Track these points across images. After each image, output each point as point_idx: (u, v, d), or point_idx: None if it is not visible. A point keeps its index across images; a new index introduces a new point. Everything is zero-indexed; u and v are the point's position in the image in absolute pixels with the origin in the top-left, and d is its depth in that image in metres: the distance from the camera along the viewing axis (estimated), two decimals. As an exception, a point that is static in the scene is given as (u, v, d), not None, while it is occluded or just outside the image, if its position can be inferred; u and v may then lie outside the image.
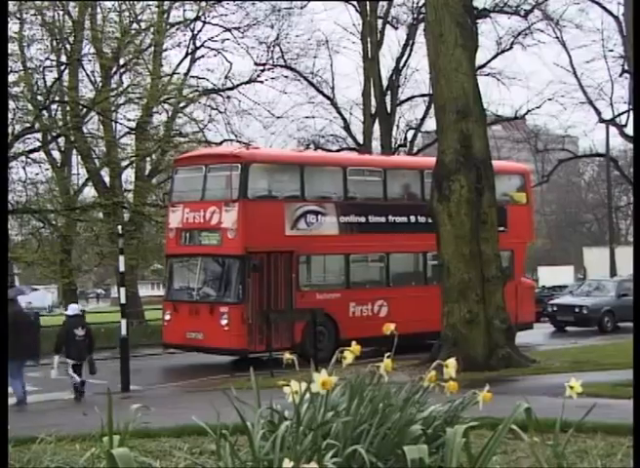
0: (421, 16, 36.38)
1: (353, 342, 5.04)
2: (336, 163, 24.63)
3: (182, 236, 22.44)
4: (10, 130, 30.40)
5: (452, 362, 5.12)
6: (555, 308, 30.92)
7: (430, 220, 23.39)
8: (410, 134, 42.54)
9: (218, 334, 20.85)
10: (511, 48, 40.30)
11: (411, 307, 22.21)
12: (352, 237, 22.96)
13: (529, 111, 42.14)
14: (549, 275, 53.92)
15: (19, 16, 30.62)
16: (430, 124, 39.46)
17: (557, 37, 41.97)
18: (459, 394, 5.16)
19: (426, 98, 39.80)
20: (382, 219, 23.75)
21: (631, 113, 40.34)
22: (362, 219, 23.34)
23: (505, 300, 18.14)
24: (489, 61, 39.90)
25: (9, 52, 29.84)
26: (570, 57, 43.58)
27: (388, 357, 5.08)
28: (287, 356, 5.38)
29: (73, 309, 17.54)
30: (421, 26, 35.01)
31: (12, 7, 29.87)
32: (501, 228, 20.22)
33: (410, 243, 23.62)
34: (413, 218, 24.12)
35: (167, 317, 22.70)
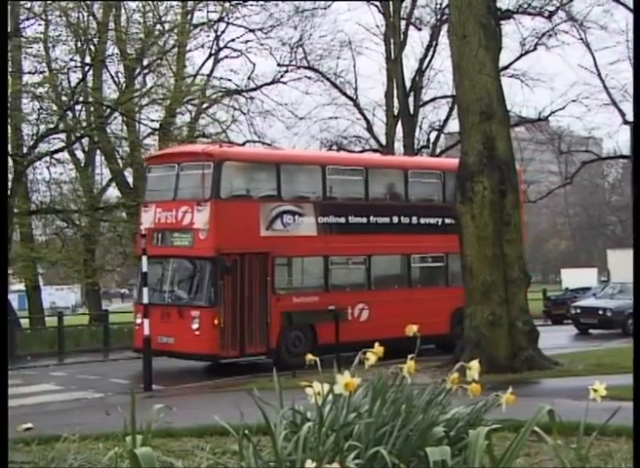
0: (445, 17, 36.35)
1: (376, 343, 5.03)
2: (314, 161, 23.52)
3: (154, 237, 21.26)
4: (34, 130, 30.68)
5: (474, 364, 5.10)
6: (579, 310, 30.71)
7: (414, 221, 23.43)
8: (433, 135, 42.45)
9: (189, 339, 19.99)
10: (535, 49, 40.12)
11: (393, 311, 21.04)
12: (332, 238, 21.92)
13: (552, 113, 41.93)
14: (573, 277, 53.63)
15: (44, 17, 30.80)
16: (453, 125, 39.41)
17: (581, 38, 41.71)
18: (481, 396, 5.14)
19: (450, 100, 39.69)
20: (364, 220, 22.77)
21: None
22: (342, 220, 22.35)
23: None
24: (512, 63, 39.75)
25: (34, 53, 30.16)
26: (594, 58, 43.30)
27: (412, 359, 5.07)
28: (309, 357, 5.39)
29: None
30: (445, 27, 34.88)
31: (37, 8, 30.14)
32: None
33: (393, 245, 22.84)
34: (396, 219, 23.30)
35: (138, 321, 21.17)
